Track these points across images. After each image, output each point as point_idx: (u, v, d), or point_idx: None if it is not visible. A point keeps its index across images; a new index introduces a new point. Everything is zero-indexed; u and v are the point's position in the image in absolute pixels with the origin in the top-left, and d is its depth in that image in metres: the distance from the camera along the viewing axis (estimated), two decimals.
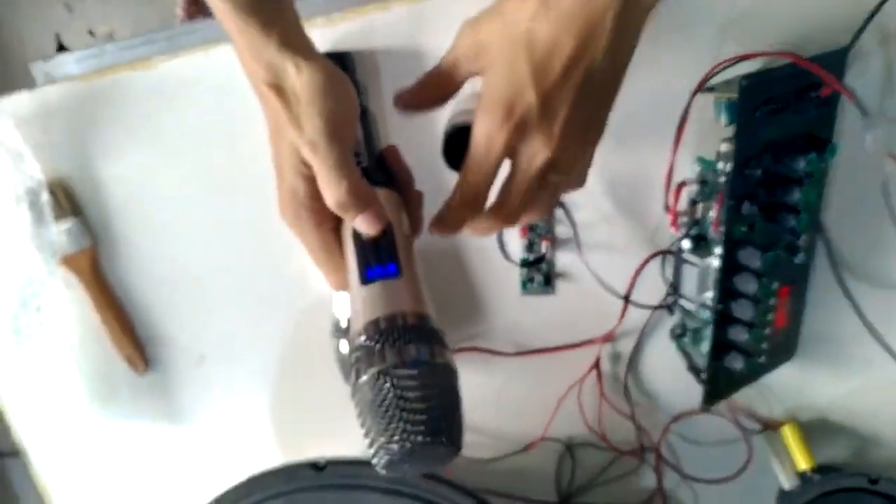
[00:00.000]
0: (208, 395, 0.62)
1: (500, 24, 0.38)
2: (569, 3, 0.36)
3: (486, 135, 0.38)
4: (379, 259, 0.39)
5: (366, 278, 0.38)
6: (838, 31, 0.49)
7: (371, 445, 0.35)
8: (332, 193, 0.38)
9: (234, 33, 0.39)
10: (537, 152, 0.38)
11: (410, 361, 0.34)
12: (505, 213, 0.41)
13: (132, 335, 0.61)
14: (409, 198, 0.44)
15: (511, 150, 0.39)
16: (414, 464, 0.35)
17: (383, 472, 0.35)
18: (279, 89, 0.38)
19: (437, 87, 0.42)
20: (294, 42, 0.39)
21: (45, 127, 0.57)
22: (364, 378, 0.34)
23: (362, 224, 0.39)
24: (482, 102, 0.39)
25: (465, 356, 0.58)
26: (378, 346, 0.35)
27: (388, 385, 0.34)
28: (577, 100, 0.38)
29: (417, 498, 0.54)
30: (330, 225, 0.42)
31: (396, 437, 0.33)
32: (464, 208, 0.41)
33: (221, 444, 0.63)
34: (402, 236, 0.41)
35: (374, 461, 0.35)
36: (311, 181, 0.39)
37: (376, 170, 0.43)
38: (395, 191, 0.43)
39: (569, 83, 0.37)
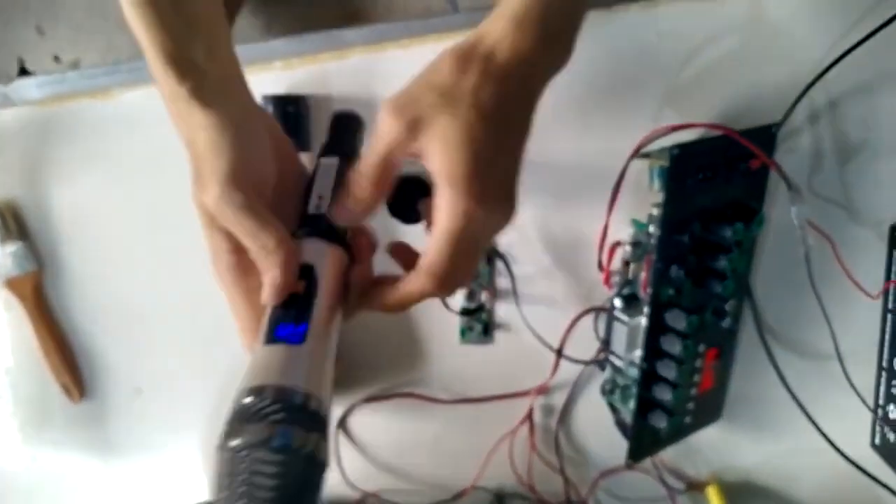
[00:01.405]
0: (142, 427, 0.61)
1: (436, 96, 0.35)
2: (507, 65, 0.35)
3: (464, 214, 0.35)
4: (288, 318, 0.37)
5: (271, 337, 0.36)
6: (773, 108, 0.51)
7: None
8: (250, 245, 0.37)
9: (159, 83, 0.38)
10: (504, 216, 0.37)
11: (275, 446, 0.32)
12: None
13: (70, 362, 0.60)
14: (358, 252, 0.41)
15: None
16: None
17: None
18: (193, 145, 0.37)
19: (378, 185, 0.38)
20: (209, 91, 0.37)
21: None
22: (230, 443, 0.33)
23: (264, 291, 0.37)
24: (447, 179, 0.35)
25: (402, 402, 0.58)
26: (254, 415, 0.33)
27: (245, 461, 0.32)
28: (521, 152, 0.37)
29: None
30: (249, 280, 0.40)
31: None
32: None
33: (152, 477, 0.62)
34: (327, 298, 0.38)
35: None
36: (228, 234, 0.38)
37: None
38: (343, 247, 0.40)
39: (512, 141, 0.37)
